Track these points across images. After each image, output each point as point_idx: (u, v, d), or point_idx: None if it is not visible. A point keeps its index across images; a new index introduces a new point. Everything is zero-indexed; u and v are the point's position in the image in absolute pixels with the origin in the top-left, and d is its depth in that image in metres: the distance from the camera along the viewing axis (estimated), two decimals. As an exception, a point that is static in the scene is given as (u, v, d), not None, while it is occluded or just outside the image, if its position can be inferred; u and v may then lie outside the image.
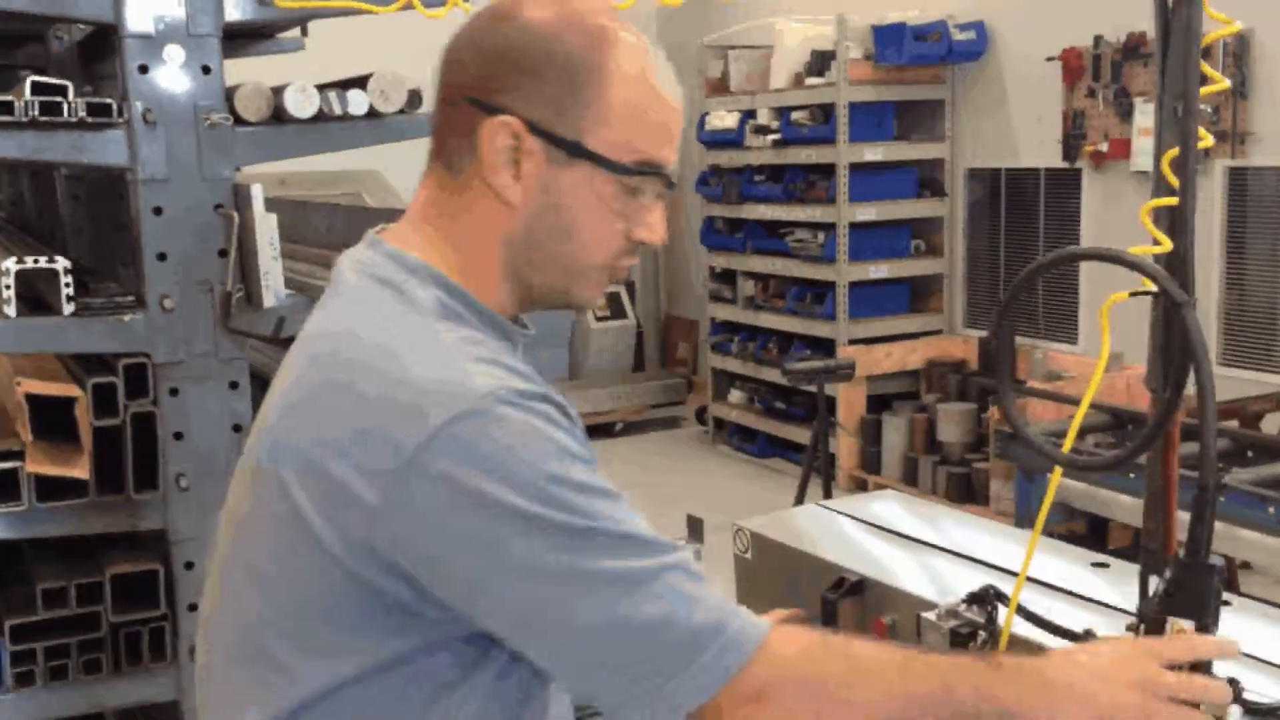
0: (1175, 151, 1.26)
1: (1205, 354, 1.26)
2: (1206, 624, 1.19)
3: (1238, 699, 1.26)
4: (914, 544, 1.77)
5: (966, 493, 5.90)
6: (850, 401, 6.58)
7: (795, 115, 6.98)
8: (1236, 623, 1.47)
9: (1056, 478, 1.43)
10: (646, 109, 1.20)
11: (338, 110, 2.16)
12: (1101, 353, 1.33)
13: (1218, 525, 3.85)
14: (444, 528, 1.06)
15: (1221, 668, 1.31)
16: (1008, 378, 1.33)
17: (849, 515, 1.90)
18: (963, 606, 1.52)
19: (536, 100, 1.17)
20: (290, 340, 2.44)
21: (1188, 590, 1.19)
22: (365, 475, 1.07)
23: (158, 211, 2.08)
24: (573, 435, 1.12)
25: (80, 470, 2.09)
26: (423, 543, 1.07)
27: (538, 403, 1.11)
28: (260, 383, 2.53)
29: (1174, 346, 1.30)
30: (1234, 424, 4.60)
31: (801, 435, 6.70)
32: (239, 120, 2.13)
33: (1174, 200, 1.27)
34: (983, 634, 1.49)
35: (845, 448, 6.57)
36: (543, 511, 1.06)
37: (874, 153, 6.75)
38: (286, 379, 1.19)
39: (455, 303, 1.19)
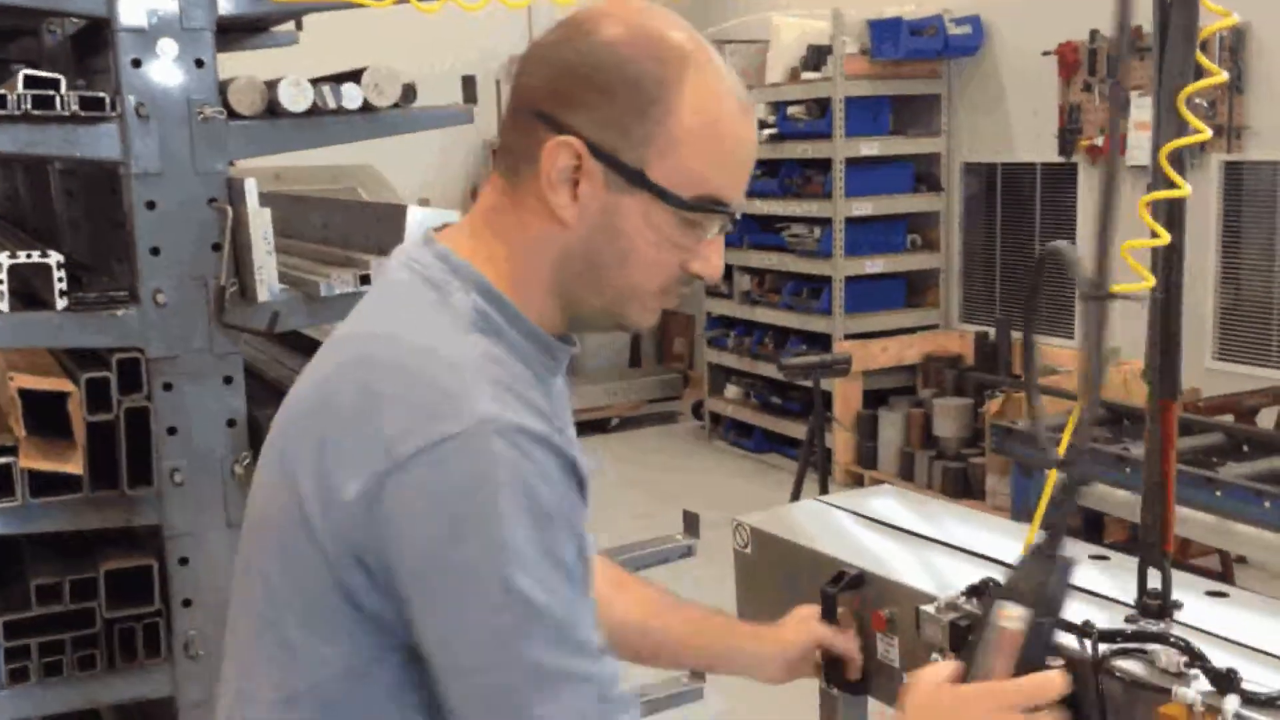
0: (1173, 144, 1.26)
1: (1099, 348, 1.24)
2: (1041, 618, 1.14)
3: (1237, 689, 1.26)
4: (913, 538, 1.77)
5: (963, 487, 5.91)
6: (846, 397, 6.58)
7: (791, 110, 6.98)
8: (1234, 614, 1.47)
9: (1054, 473, 1.43)
10: (715, 141, 1.16)
11: (332, 104, 2.15)
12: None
13: (1214, 519, 3.89)
14: (407, 537, 1.06)
15: (1222, 658, 1.31)
16: (1034, 382, 1.31)
17: (848, 510, 1.90)
18: (962, 599, 1.52)
19: (602, 121, 1.14)
20: (285, 335, 2.44)
21: (1032, 580, 1.15)
22: (357, 473, 1.07)
23: (151, 206, 2.06)
24: (555, 490, 1.08)
25: (74, 466, 2.08)
26: (387, 545, 1.07)
27: (536, 446, 1.07)
28: (254, 378, 2.52)
29: (1164, 339, 1.30)
30: (1229, 419, 4.61)
31: (798, 430, 6.70)
32: (232, 114, 2.12)
33: (1176, 193, 1.26)
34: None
35: (841, 443, 6.57)
36: (493, 560, 1.04)
37: (870, 147, 6.75)
38: (314, 376, 1.18)
39: (495, 312, 1.16)
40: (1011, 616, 1.16)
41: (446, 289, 1.16)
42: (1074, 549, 1.20)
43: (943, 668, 1.22)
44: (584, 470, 1.12)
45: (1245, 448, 4.27)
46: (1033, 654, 1.14)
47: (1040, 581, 1.14)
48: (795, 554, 1.76)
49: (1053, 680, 1.18)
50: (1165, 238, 1.25)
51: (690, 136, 1.14)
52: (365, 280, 2.08)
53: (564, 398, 1.28)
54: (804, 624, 1.60)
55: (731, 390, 7.72)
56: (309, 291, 2.10)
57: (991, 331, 6.10)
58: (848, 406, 6.59)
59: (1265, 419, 4.79)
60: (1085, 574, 1.62)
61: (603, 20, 1.16)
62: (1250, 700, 1.25)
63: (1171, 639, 1.36)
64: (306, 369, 1.21)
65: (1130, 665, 1.35)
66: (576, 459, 1.11)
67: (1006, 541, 1.71)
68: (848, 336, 6.73)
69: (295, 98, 2.12)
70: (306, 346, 2.70)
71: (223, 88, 2.11)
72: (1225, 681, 1.26)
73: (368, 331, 1.18)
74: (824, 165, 6.79)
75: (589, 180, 1.15)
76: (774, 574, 1.82)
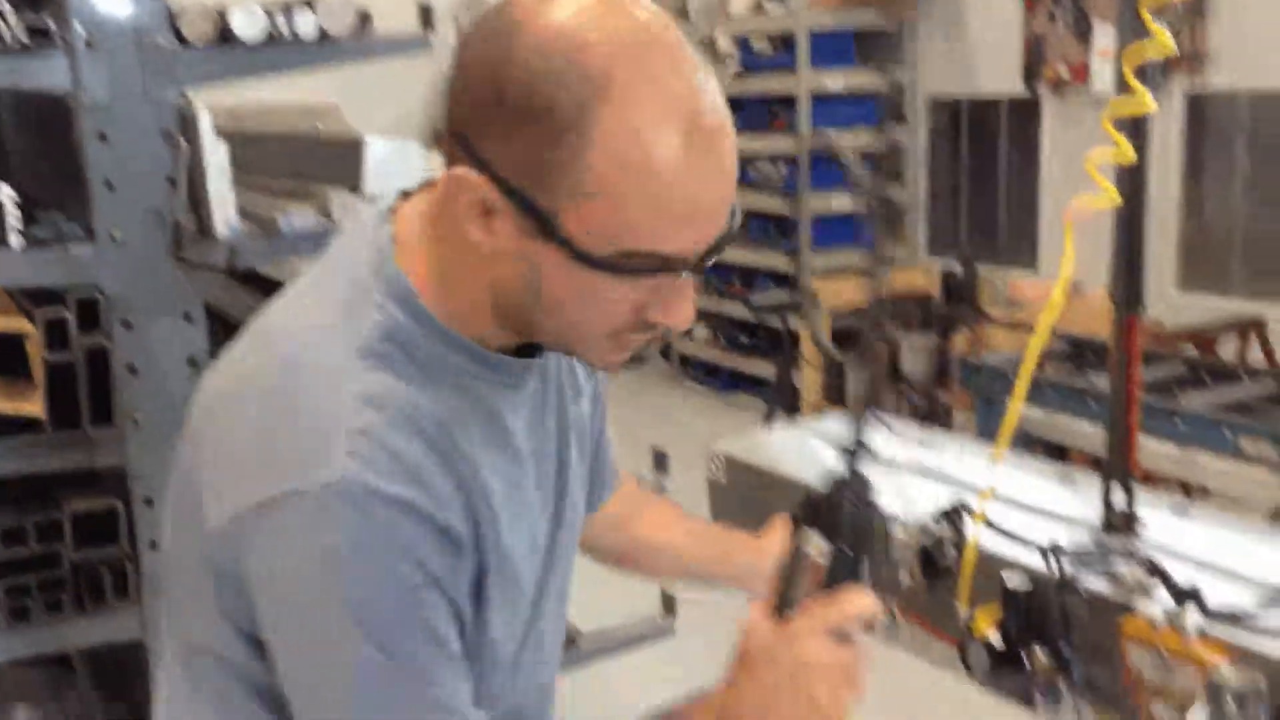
0: (1136, 48, 1.24)
1: (880, 259, 1.22)
2: (840, 545, 1.12)
3: (1200, 604, 1.27)
4: (885, 462, 1.78)
5: (930, 422, 5.96)
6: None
7: (755, 44, 6.92)
8: (1197, 530, 1.50)
9: (1018, 402, 1.43)
10: (647, 184, 0.94)
11: (286, 32, 2.10)
12: (1064, 266, 1.31)
13: (1174, 450, 3.93)
14: (262, 587, 1.00)
15: (1184, 574, 1.32)
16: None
17: (820, 436, 1.91)
18: (932, 522, 1.53)
19: (511, 154, 0.95)
20: (244, 273, 2.40)
21: (831, 503, 1.13)
22: (219, 505, 1.01)
23: (103, 138, 2.01)
24: (413, 556, 0.96)
25: (34, 407, 2.05)
26: (248, 588, 1.01)
27: (390, 510, 0.95)
28: (216, 319, 2.49)
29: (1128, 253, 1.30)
30: (1191, 349, 4.65)
31: (766, 370, 6.72)
32: (184, 43, 2.06)
33: (1138, 108, 1.26)
34: (952, 549, 1.50)
35: (809, 381, 6.60)
36: (337, 632, 0.96)
37: (835, 81, 6.70)
38: (217, 375, 1.10)
39: (419, 329, 1.03)
40: (814, 547, 1.13)
41: (360, 297, 1.03)
42: (882, 478, 1.15)
43: (759, 609, 1.16)
44: (457, 531, 1.00)
45: (1207, 378, 4.31)
46: (837, 584, 1.12)
47: (841, 511, 1.12)
48: (768, 481, 1.77)
49: (858, 600, 1.11)
50: (1129, 151, 1.24)
51: (611, 179, 0.93)
52: (326, 215, 2.05)
53: (547, 401, 1.18)
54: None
55: (699, 330, 7.72)
56: (268, 227, 2.07)
57: (959, 268, 6.12)
58: (815, 347, 6.61)
59: (1227, 349, 4.84)
60: (1053, 494, 1.64)
61: (530, 19, 0.95)
62: (1212, 615, 1.27)
63: (1135, 555, 1.38)
64: (222, 357, 1.13)
65: (1095, 582, 1.37)
66: (448, 523, 0.99)
67: (978, 464, 1.73)
68: (814, 274, 6.73)
69: (248, 25, 2.07)
70: (268, 287, 2.66)
71: (173, 16, 2.06)
72: (1188, 597, 1.28)
73: (266, 337, 1.07)
74: (789, 102, 6.74)
75: (501, 218, 0.97)
76: (748, 501, 1.82)
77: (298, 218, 2.03)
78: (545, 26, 0.94)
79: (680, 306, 1.02)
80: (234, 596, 1.02)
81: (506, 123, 0.94)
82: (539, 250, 0.97)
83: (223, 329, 2.47)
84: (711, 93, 0.97)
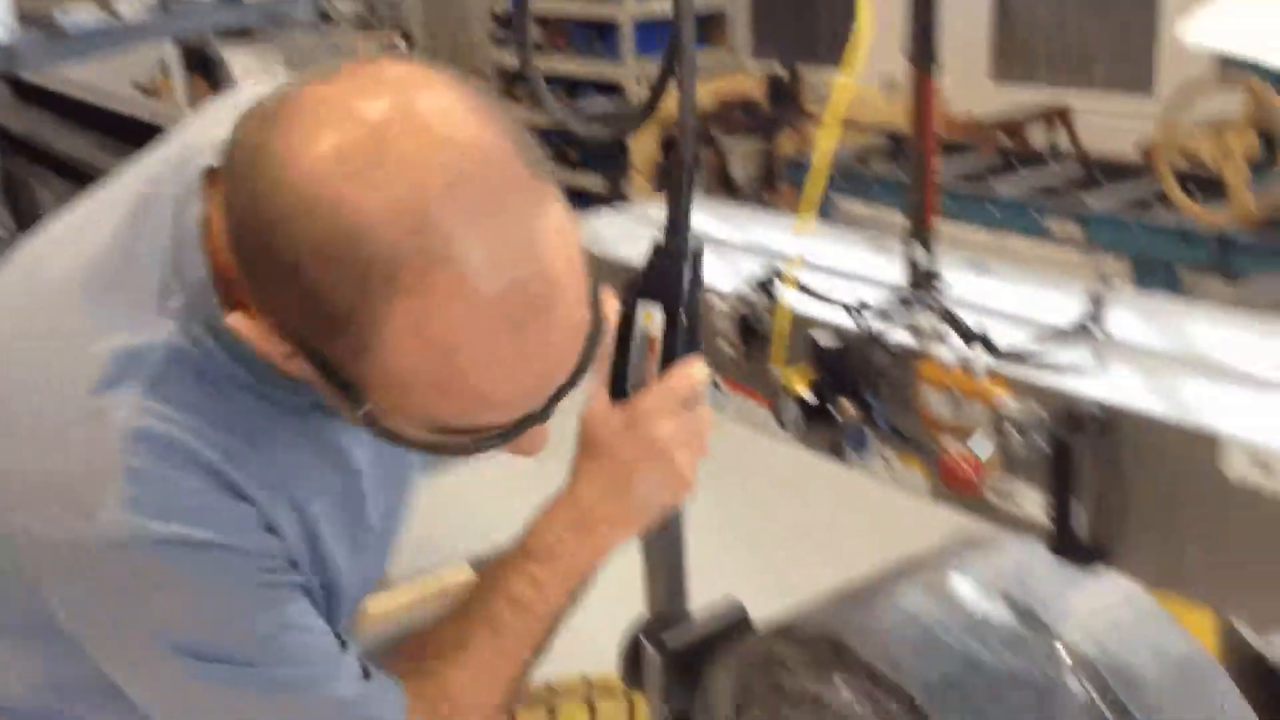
0: None
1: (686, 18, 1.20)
2: (675, 308, 1.12)
3: (988, 346, 1.36)
4: (712, 241, 1.82)
5: (759, 225, 6.06)
6: (643, 145, 6.58)
7: None
8: (994, 285, 1.59)
9: (817, 173, 1.45)
10: (448, 384, 0.81)
11: None
12: (856, 36, 1.32)
13: (986, 235, 4.11)
14: (76, 629, 0.94)
15: (978, 322, 1.41)
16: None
17: (651, 222, 1.93)
18: (749, 291, 1.58)
19: (299, 318, 0.81)
20: (25, 84, 2.24)
21: (661, 274, 1.12)
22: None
23: None
24: (216, 585, 0.91)
25: None
26: (49, 605, 0.93)
27: (179, 550, 0.88)
28: (10, 139, 2.34)
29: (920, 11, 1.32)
30: (1003, 138, 4.82)
31: (595, 184, 6.70)
32: None
33: None
34: (767, 316, 1.56)
35: (641, 192, 6.61)
36: (179, 668, 0.92)
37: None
38: None
39: (218, 349, 0.90)
40: (651, 319, 1.12)
41: (146, 305, 0.90)
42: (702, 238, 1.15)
43: (602, 392, 1.13)
44: (260, 547, 0.93)
45: (1017, 164, 4.50)
46: (676, 353, 1.11)
47: (667, 277, 1.11)
48: (594, 264, 1.79)
49: (696, 368, 1.10)
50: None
51: (408, 376, 0.81)
52: (110, 12, 1.92)
53: None
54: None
55: (528, 146, 7.59)
56: (50, 28, 1.93)
57: (782, 70, 6.14)
58: (644, 156, 6.60)
59: (1037, 137, 5.02)
60: (864, 260, 1.71)
61: (292, 173, 0.77)
62: (999, 355, 1.36)
63: (933, 307, 1.46)
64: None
65: (897, 335, 1.45)
66: (241, 544, 0.91)
67: (805, 241, 1.78)
68: (641, 82, 6.66)
69: None
70: (50, 100, 2.51)
71: None
72: (976, 339, 1.37)
73: (46, 339, 0.92)
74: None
75: (299, 360, 0.84)
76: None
77: (81, 13, 1.90)
78: (310, 194, 0.76)
79: (529, 442, 0.93)
80: (27, 595, 0.94)
81: (285, 289, 0.79)
82: (350, 407, 0.85)
83: (12, 148, 2.32)
84: (540, 245, 0.82)
